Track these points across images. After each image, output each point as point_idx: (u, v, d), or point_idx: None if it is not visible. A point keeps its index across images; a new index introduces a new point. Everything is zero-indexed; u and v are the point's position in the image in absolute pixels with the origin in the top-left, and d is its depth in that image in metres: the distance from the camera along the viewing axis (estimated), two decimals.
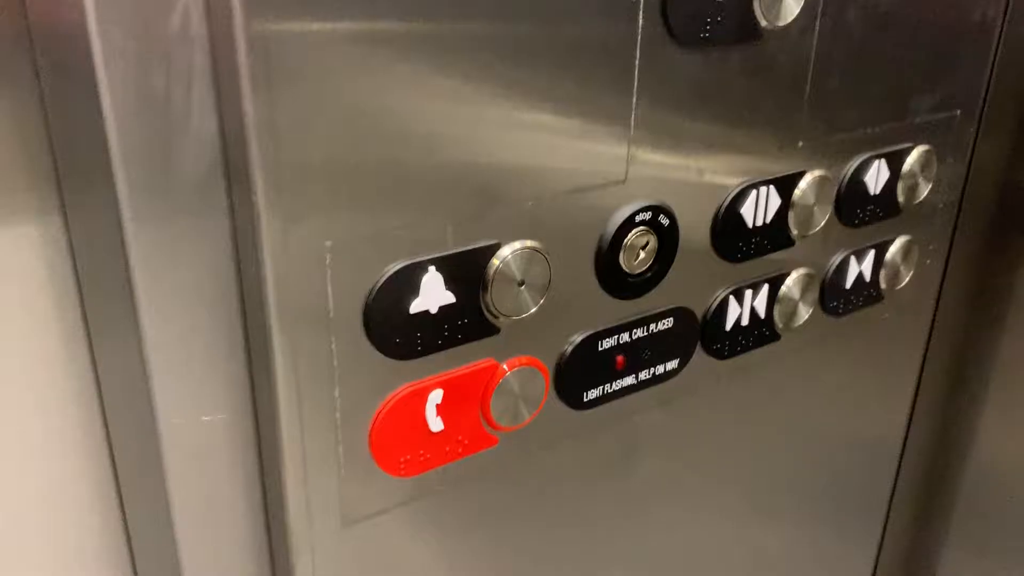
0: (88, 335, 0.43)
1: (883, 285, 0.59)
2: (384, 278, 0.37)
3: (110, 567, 0.47)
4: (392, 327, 0.38)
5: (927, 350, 0.67)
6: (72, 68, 0.33)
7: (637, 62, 0.41)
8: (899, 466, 0.73)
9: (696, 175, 0.46)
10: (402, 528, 0.43)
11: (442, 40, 0.35)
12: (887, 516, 0.74)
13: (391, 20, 0.33)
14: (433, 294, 0.38)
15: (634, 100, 0.42)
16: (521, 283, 0.41)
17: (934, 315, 0.66)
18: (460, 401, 0.41)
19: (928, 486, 0.77)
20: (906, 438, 0.72)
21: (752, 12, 0.43)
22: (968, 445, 0.75)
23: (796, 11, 0.44)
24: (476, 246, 0.39)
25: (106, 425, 0.45)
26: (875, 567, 0.77)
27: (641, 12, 0.40)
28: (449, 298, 0.39)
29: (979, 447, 0.75)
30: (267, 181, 0.33)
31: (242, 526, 0.41)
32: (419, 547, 0.45)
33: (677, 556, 0.59)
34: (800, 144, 0.49)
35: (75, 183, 0.38)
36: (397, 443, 0.40)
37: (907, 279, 0.60)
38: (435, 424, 0.41)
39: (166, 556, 0.40)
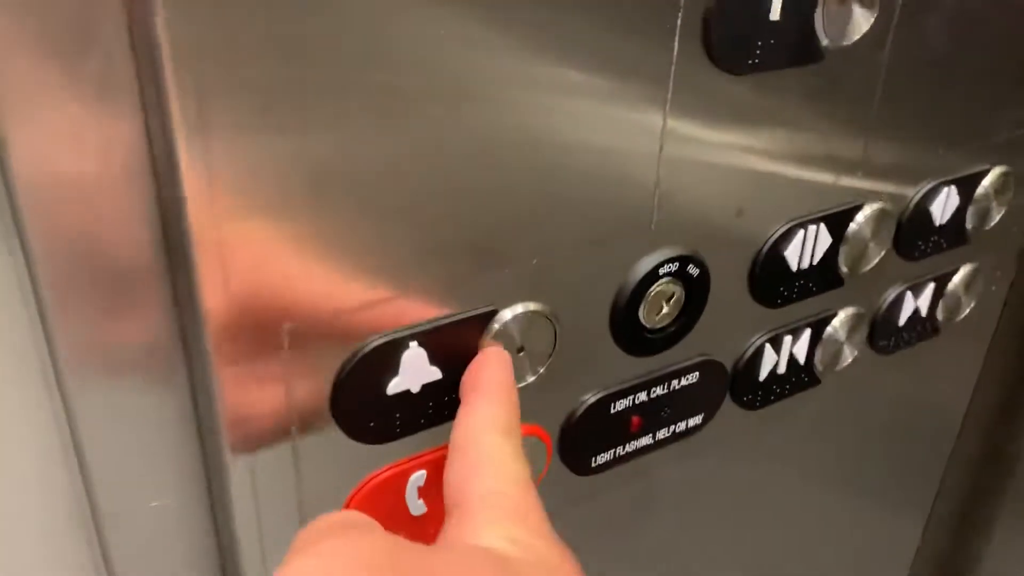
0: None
1: (940, 318, 0.52)
2: (356, 359, 0.31)
3: None
4: (365, 412, 0.32)
5: (980, 378, 0.61)
6: None
7: (670, 88, 0.34)
8: (941, 483, 0.68)
9: (733, 217, 0.39)
10: None
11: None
12: (913, 561, 0.69)
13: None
14: (415, 372, 0.33)
15: (663, 132, 0.35)
16: (520, 349, 0.35)
17: (991, 342, 0.59)
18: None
19: (966, 516, 0.72)
20: (947, 466, 0.66)
21: (813, 31, 0.36)
22: (1013, 474, 0.69)
23: (865, 27, 0.37)
24: (468, 315, 0.33)
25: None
26: None
27: (677, 36, 0.33)
28: (435, 375, 0.33)
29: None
30: (205, 250, 0.27)
31: None
32: None
33: None
34: (859, 174, 0.42)
35: None
36: None
37: (968, 310, 0.54)
38: (416, 508, 0.36)
39: None
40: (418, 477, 0.35)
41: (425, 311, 0.32)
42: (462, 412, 0.31)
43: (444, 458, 0.35)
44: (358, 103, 0.27)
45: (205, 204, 0.26)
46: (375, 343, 0.31)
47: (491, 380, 0.32)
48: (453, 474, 0.29)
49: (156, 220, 0.28)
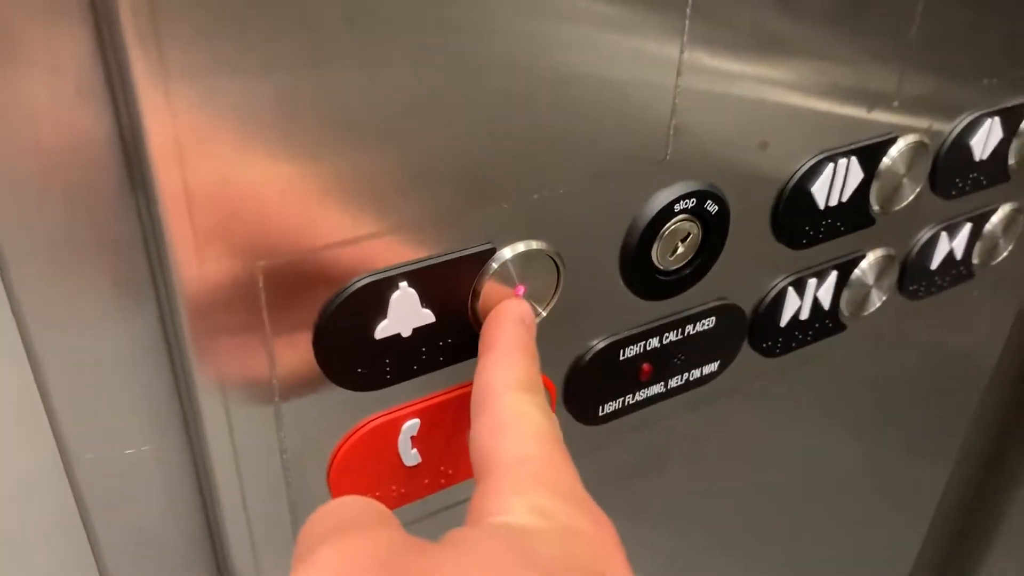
0: None
1: (976, 261, 0.49)
2: (339, 301, 0.29)
3: None
4: (351, 357, 0.30)
5: (1013, 326, 0.58)
6: None
7: (688, 12, 0.31)
8: (967, 434, 0.65)
9: (756, 150, 0.36)
10: None
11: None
12: (935, 516, 0.66)
13: None
14: (405, 315, 0.30)
15: (682, 50, 0.31)
16: (523, 291, 0.33)
17: None
18: (442, 429, 0.34)
19: (991, 470, 0.69)
20: (978, 412, 0.63)
21: None
22: None
23: None
24: (464, 253, 0.30)
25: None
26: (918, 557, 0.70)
27: None
28: (427, 318, 0.31)
29: None
30: (169, 181, 0.25)
31: (189, 565, 0.35)
32: None
33: (708, 566, 0.52)
34: (895, 104, 0.39)
35: None
36: (363, 481, 0.33)
37: (1005, 253, 0.50)
38: (410, 458, 0.34)
39: None
40: (411, 426, 0.33)
41: (415, 249, 0.29)
42: (478, 373, 0.29)
43: (440, 406, 0.33)
44: (340, 15, 0.24)
45: (165, 129, 0.24)
46: (360, 283, 0.29)
47: (507, 337, 0.30)
48: (475, 440, 0.27)
49: (117, 149, 0.26)
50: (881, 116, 0.39)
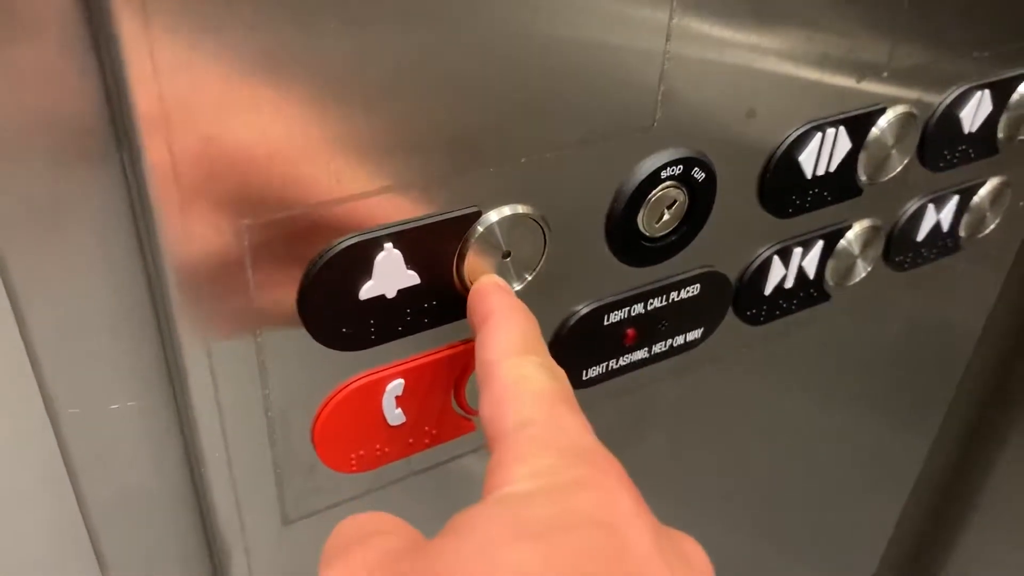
0: None
1: (962, 234, 0.49)
2: (323, 261, 0.29)
3: None
4: (335, 317, 0.30)
5: (997, 300, 0.58)
6: None
7: None
8: (950, 406, 0.66)
9: (744, 118, 0.36)
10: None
11: None
12: (914, 488, 0.67)
13: None
14: (390, 276, 0.30)
15: (671, 16, 0.31)
16: (507, 255, 0.33)
17: (1012, 263, 0.57)
18: (427, 389, 0.34)
19: (972, 442, 0.70)
20: (961, 382, 0.64)
21: None
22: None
23: None
24: (449, 216, 0.31)
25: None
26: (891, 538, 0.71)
27: None
28: (412, 279, 0.31)
29: None
30: (154, 140, 0.25)
31: (175, 522, 0.35)
32: None
33: (688, 532, 0.53)
34: (885, 74, 0.39)
35: None
36: (347, 439, 0.34)
37: (992, 226, 0.51)
38: (394, 418, 0.34)
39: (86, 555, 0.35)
40: (396, 386, 0.33)
41: (401, 210, 0.30)
42: (476, 350, 0.29)
43: (424, 366, 0.33)
44: None
45: (150, 87, 0.24)
46: (345, 243, 0.29)
47: (496, 305, 0.30)
48: (483, 411, 0.27)
49: (102, 108, 0.25)
50: (870, 87, 0.39)
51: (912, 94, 0.41)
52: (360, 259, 0.29)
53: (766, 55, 0.35)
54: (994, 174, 0.48)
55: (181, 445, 0.34)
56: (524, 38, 0.28)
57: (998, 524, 0.76)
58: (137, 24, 0.23)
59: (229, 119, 0.25)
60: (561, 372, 0.28)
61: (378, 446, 0.35)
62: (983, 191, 0.48)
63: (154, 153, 0.25)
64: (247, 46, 0.24)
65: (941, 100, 0.42)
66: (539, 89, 0.30)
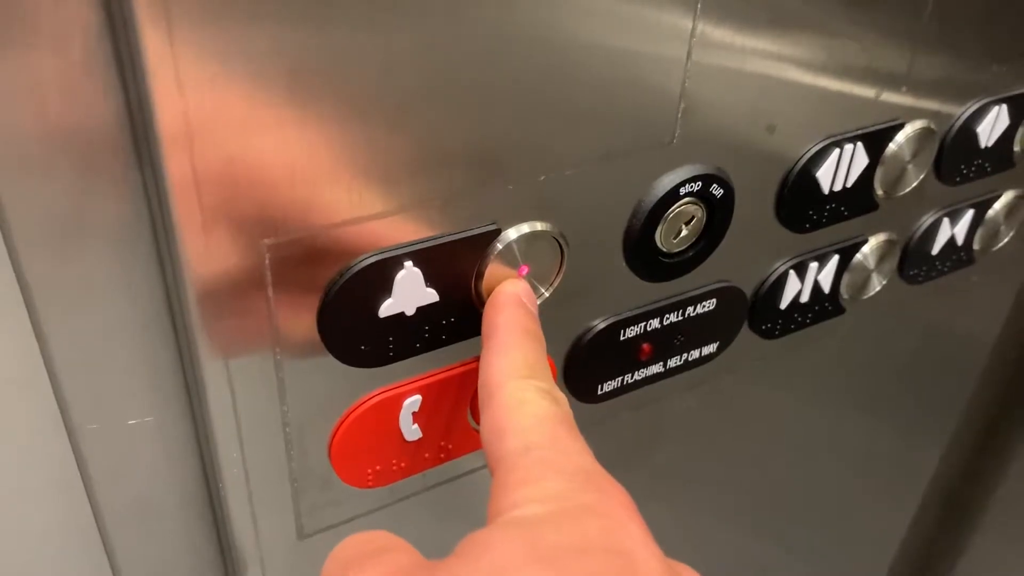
0: None
1: (976, 247, 0.49)
2: (344, 279, 0.29)
3: None
4: (354, 334, 0.30)
5: (1010, 314, 0.58)
6: None
7: None
8: (960, 420, 0.66)
9: (764, 133, 0.36)
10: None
11: None
12: (923, 499, 0.67)
13: None
14: (410, 294, 0.30)
15: (692, 33, 0.31)
16: (526, 272, 0.33)
17: None
18: (443, 405, 0.34)
19: (988, 438, 0.70)
20: (976, 393, 0.64)
21: None
22: None
23: None
24: (468, 234, 0.31)
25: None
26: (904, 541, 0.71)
27: None
28: (431, 297, 0.31)
29: None
30: (177, 157, 0.24)
31: (189, 536, 0.35)
32: None
33: (702, 544, 0.53)
34: (904, 88, 0.39)
35: None
36: (364, 455, 0.34)
37: (1006, 239, 0.50)
38: (411, 433, 0.34)
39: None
40: (413, 402, 0.33)
41: (421, 229, 0.30)
42: (480, 366, 0.29)
43: (442, 382, 0.33)
44: None
45: (174, 106, 0.24)
46: (366, 262, 0.29)
47: (505, 323, 0.30)
48: (483, 436, 0.27)
49: (125, 126, 0.25)
50: (889, 100, 0.39)
51: (930, 107, 0.40)
52: (380, 277, 0.29)
53: (786, 71, 0.35)
54: (1010, 187, 0.48)
55: (197, 459, 0.33)
56: (544, 57, 0.28)
57: (1007, 533, 0.76)
58: (162, 40, 0.23)
59: (252, 138, 0.25)
60: (562, 396, 0.28)
61: (394, 461, 0.34)
62: (998, 204, 0.48)
63: (176, 170, 0.25)
64: (271, 65, 0.24)
65: (959, 114, 0.42)
66: (559, 107, 0.30)
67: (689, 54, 0.32)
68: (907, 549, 0.74)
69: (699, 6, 0.31)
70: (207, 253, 0.26)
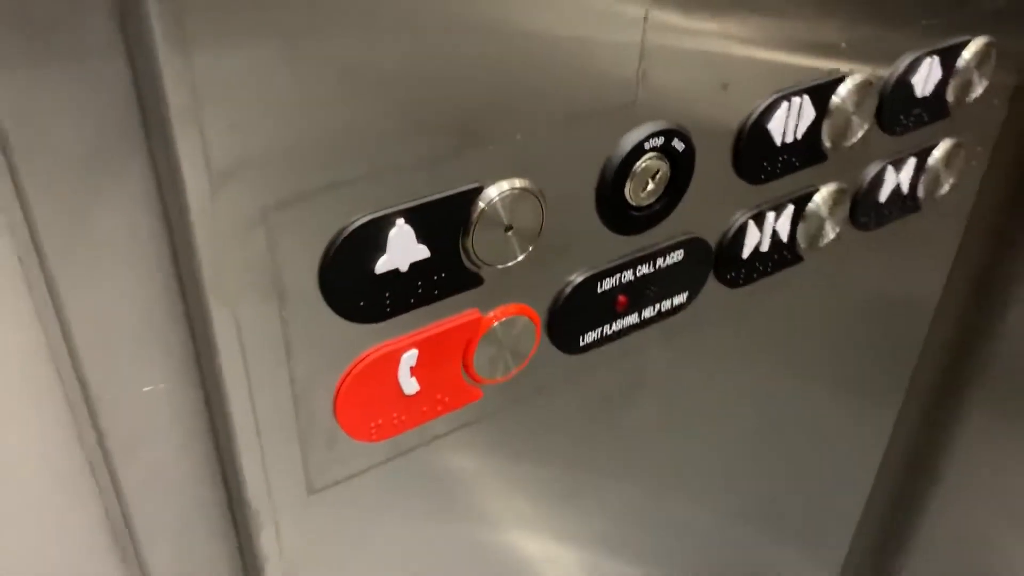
0: None
1: (921, 194, 0.53)
2: (341, 238, 0.31)
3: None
4: (353, 290, 0.32)
5: (958, 254, 0.62)
6: None
7: None
8: (917, 364, 0.69)
9: (718, 91, 0.39)
10: (377, 487, 0.39)
11: None
12: (898, 417, 0.71)
13: None
14: (403, 250, 0.33)
15: (645, 16, 0.34)
16: (508, 228, 0.35)
17: (969, 219, 0.60)
18: (438, 359, 0.36)
19: (947, 376, 0.74)
20: (928, 336, 0.67)
21: None
22: (995, 332, 0.71)
23: None
24: (455, 191, 0.33)
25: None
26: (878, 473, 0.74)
27: None
28: (422, 253, 0.33)
29: (1008, 331, 0.71)
30: (187, 135, 0.26)
31: (202, 499, 0.37)
32: (397, 502, 0.41)
33: (679, 490, 0.56)
34: (843, 45, 0.42)
35: None
36: (366, 409, 0.36)
37: (948, 185, 0.54)
38: (409, 387, 0.36)
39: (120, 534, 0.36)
40: (410, 356, 0.35)
41: (412, 189, 0.32)
42: None
43: (437, 336, 0.36)
44: None
45: (182, 78, 0.26)
46: (361, 220, 0.31)
47: None
48: None
49: (132, 97, 0.27)
50: (832, 56, 0.42)
51: (869, 63, 0.44)
52: (375, 235, 0.32)
53: (736, 32, 0.38)
54: (947, 135, 0.51)
55: (207, 425, 0.35)
56: (518, 34, 0.31)
57: (966, 483, 0.80)
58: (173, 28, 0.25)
59: (256, 106, 0.27)
60: None
61: (395, 415, 0.37)
62: (937, 152, 0.51)
63: (185, 141, 0.27)
64: (271, 40, 0.26)
65: (895, 68, 0.45)
66: (531, 75, 0.32)
67: (646, 18, 0.34)
68: (876, 496, 0.78)
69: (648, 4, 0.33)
70: (214, 218, 0.28)
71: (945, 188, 0.54)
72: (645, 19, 0.34)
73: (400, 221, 0.32)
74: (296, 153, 0.29)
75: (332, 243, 0.31)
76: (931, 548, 0.85)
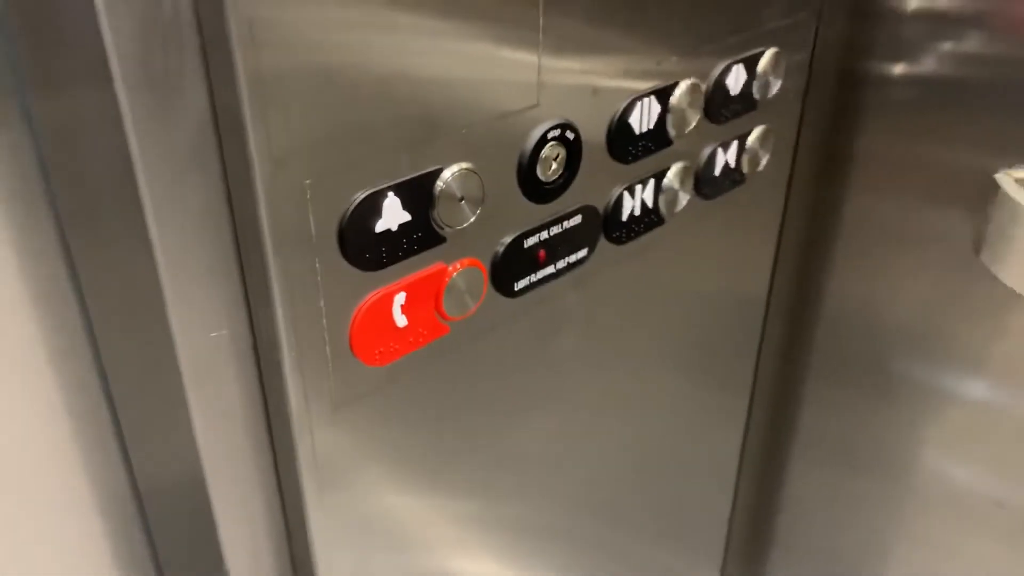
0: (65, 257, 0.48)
1: (745, 169, 0.70)
2: (353, 205, 0.44)
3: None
4: (362, 245, 0.46)
5: (784, 217, 0.80)
6: None
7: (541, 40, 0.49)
8: (766, 314, 0.87)
9: (593, 95, 0.54)
10: (381, 408, 0.52)
11: None
12: (758, 358, 0.88)
13: None
14: (393, 215, 0.46)
15: (540, 35, 0.49)
16: (461, 199, 0.49)
17: (788, 187, 0.78)
18: (419, 300, 0.50)
19: (791, 330, 0.92)
20: (770, 290, 0.85)
21: None
22: (823, 292, 0.89)
23: None
24: (425, 171, 0.47)
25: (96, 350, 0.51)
26: (750, 403, 0.91)
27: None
28: (405, 217, 0.47)
29: (833, 292, 0.89)
30: (258, 136, 0.40)
31: (249, 428, 0.49)
32: (396, 422, 0.54)
33: (594, 405, 0.71)
34: (674, 59, 0.59)
35: (47, 93, 0.43)
36: (372, 338, 0.49)
37: (765, 161, 0.72)
38: (400, 320, 0.49)
39: (185, 468, 0.48)
40: (400, 297, 0.49)
41: (398, 170, 0.46)
42: None
43: (416, 282, 0.49)
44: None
45: (255, 97, 0.39)
46: (366, 193, 0.45)
47: None
48: None
49: (206, 105, 0.40)
50: (667, 70, 0.59)
51: (694, 72, 0.61)
52: (374, 204, 0.45)
53: (602, 58, 0.54)
54: (758, 123, 0.69)
55: (254, 365, 0.48)
56: (456, 63, 0.46)
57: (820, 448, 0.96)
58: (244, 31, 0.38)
59: (300, 118, 0.41)
60: None
61: (392, 344, 0.50)
62: (752, 136, 0.69)
63: (257, 136, 0.40)
64: (312, 79, 0.40)
65: (713, 73, 0.62)
66: (469, 87, 0.47)
67: (539, 58, 0.50)
68: (746, 460, 0.95)
69: (542, 20, 0.49)
70: (274, 194, 0.41)
71: (763, 163, 0.72)
72: (539, 59, 0.50)
73: (391, 194, 0.46)
74: (326, 145, 0.42)
75: (347, 210, 0.44)
76: (797, 522, 1.01)
